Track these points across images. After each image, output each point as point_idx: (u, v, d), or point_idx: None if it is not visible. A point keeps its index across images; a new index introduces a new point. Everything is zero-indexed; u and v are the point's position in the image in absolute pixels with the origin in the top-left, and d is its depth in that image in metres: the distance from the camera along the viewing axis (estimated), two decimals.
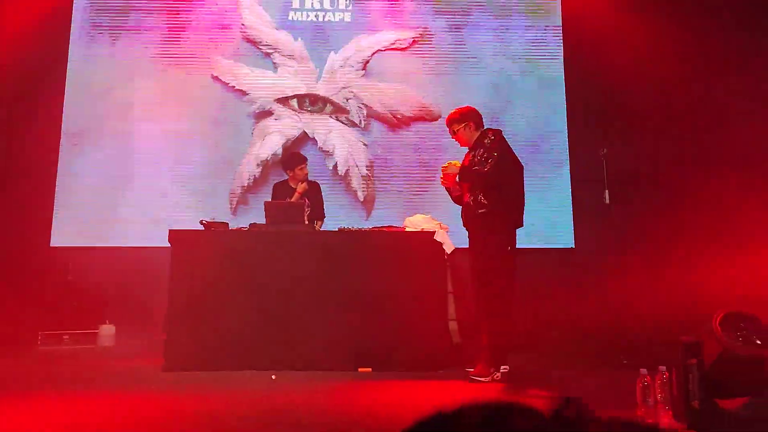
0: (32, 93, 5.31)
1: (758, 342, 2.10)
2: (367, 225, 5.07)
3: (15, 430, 2.29)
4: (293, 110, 5.56)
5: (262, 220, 3.85)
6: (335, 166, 5.49)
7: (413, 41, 5.69)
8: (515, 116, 5.59)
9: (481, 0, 5.79)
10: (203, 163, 5.40)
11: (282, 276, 3.56)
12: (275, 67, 5.61)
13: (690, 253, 4.79)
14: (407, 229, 3.78)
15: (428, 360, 3.41)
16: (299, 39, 5.62)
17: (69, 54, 5.46)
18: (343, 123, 5.57)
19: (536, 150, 5.55)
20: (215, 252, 3.61)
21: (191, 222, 4.11)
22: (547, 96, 5.64)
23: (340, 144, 5.52)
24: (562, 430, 0.54)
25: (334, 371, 3.36)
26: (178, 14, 5.60)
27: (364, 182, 5.49)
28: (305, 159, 4.45)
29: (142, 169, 5.33)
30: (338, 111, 5.58)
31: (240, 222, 4.84)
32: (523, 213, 3.39)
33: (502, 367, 3.16)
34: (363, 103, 5.59)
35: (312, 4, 5.71)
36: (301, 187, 4.25)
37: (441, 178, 3.44)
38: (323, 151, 5.51)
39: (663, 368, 2.30)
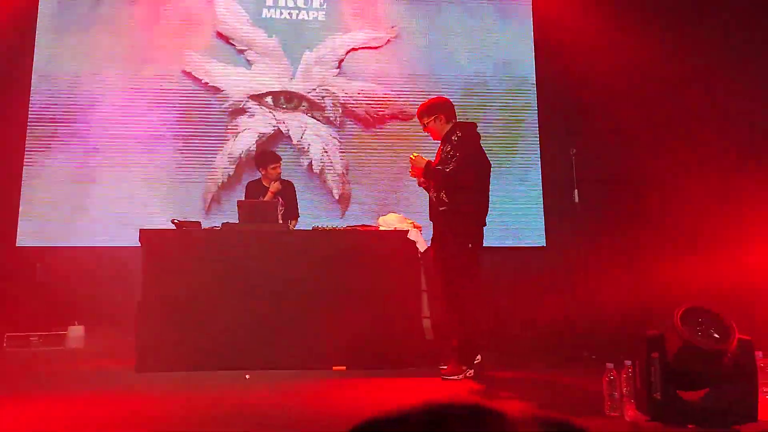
0: None
1: (716, 336, 2.18)
2: (343, 222, 5.08)
3: None
4: (268, 107, 5.52)
5: (236, 219, 3.82)
6: (310, 164, 5.48)
7: (388, 40, 5.71)
8: (487, 116, 5.65)
9: (454, 0, 5.84)
10: (174, 160, 5.32)
11: (255, 275, 3.54)
12: (249, 63, 5.56)
13: (656, 250, 4.94)
14: (381, 228, 3.80)
15: (402, 358, 3.44)
16: (274, 36, 5.59)
17: (35, 48, 5.31)
18: (318, 121, 5.56)
19: (508, 150, 5.64)
20: (187, 252, 3.57)
21: (162, 221, 4.06)
22: (518, 96, 5.74)
23: (315, 142, 5.51)
24: None
25: (308, 370, 3.36)
26: (149, 8, 5.50)
27: (340, 180, 5.49)
28: (279, 158, 4.42)
29: (111, 166, 5.22)
30: (314, 108, 5.56)
31: (214, 220, 4.80)
32: (486, 212, 3.36)
33: (477, 357, 3.16)
34: (338, 102, 5.59)
35: (286, 2, 5.67)
36: (274, 186, 4.22)
37: (410, 169, 3.41)
38: (298, 148, 5.49)
39: (628, 362, 2.38)
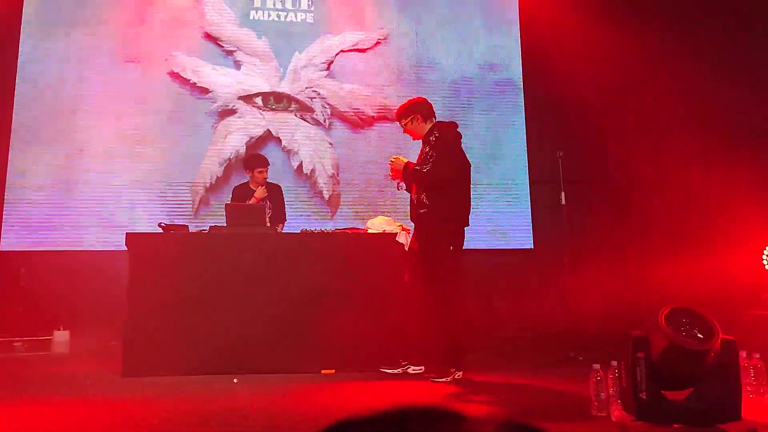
0: None
1: (700, 336, 2.21)
2: (333, 224, 5.08)
3: None
4: (257, 108, 5.50)
5: (224, 222, 3.80)
6: (300, 166, 5.47)
7: (376, 43, 5.73)
8: (475, 118, 5.69)
9: (442, 2, 5.87)
10: (161, 162, 5.27)
11: (244, 279, 3.53)
12: (237, 65, 5.54)
13: (642, 251, 5.00)
14: (369, 231, 3.80)
15: (391, 360, 3.44)
16: (263, 37, 5.57)
17: (20, 48, 5.24)
18: (307, 122, 5.55)
19: (495, 151, 5.68)
20: (174, 256, 3.55)
21: (148, 224, 4.02)
22: (505, 98, 5.78)
23: (304, 143, 5.50)
24: None
25: (297, 373, 3.35)
26: (135, 8, 5.45)
27: (330, 181, 5.49)
28: (266, 163, 4.39)
29: (96, 169, 5.16)
30: (303, 109, 5.56)
31: (202, 223, 4.77)
32: (468, 213, 3.36)
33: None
34: (327, 103, 5.59)
35: (274, 3, 5.66)
36: (259, 191, 4.19)
37: (390, 171, 3.40)
38: (287, 150, 5.48)
39: (615, 363, 2.40)
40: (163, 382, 3.19)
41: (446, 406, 0.58)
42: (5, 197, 5.01)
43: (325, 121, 5.57)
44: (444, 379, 3.15)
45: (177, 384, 3.14)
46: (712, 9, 5.42)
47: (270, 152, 5.20)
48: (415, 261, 3.34)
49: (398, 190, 3.48)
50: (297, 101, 5.55)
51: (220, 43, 5.53)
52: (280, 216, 4.35)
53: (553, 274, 4.96)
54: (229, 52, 5.53)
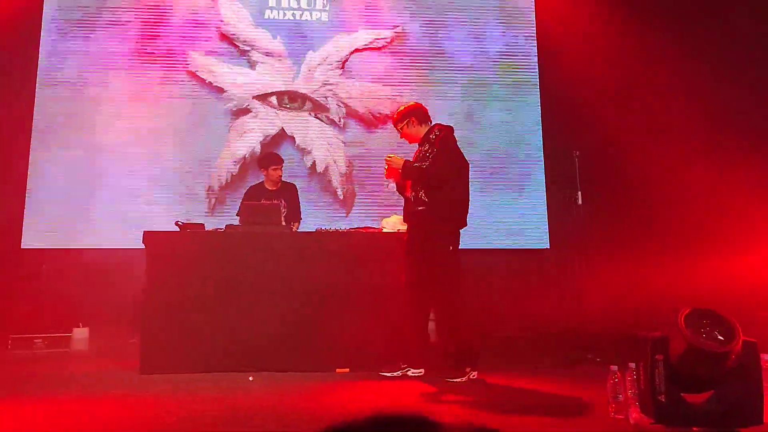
0: (1, 89, 5.17)
1: (721, 338, 2.17)
2: (347, 222, 5.09)
3: None
4: (272, 107, 5.53)
5: (238, 221, 3.83)
6: (314, 164, 5.49)
7: (391, 41, 5.72)
8: (490, 118, 5.66)
9: (457, 2, 5.84)
10: (178, 161, 5.33)
11: (259, 278, 3.55)
12: (252, 65, 5.57)
13: (660, 251, 4.93)
14: (384, 230, 3.80)
15: (406, 360, 3.43)
16: (277, 37, 5.60)
17: (40, 49, 5.33)
18: (321, 121, 5.57)
19: (511, 152, 5.64)
20: (191, 254, 3.58)
21: (166, 222, 4.06)
22: (521, 98, 5.73)
23: (318, 142, 5.52)
24: None
25: (312, 372, 3.36)
26: (153, 10, 5.52)
27: (344, 180, 5.50)
28: (281, 161, 4.43)
29: (114, 168, 5.24)
30: (318, 108, 5.57)
31: (217, 222, 4.81)
32: (466, 212, 3.35)
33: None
34: (341, 102, 5.60)
35: (289, 3, 5.68)
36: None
37: (385, 170, 3.41)
38: (301, 149, 5.50)
39: (633, 365, 2.37)
40: (180, 379, 3.22)
41: (419, 412, 0.60)
42: (27, 196, 5.11)
43: (339, 120, 5.58)
44: (460, 379, 3.14)
45: (193, 381, 3.17)
46: (737, 6, 5.32)
47: (284, 151, 5.23)
48: (413, 261, 3.30)
49: (386, 188, 3.47)
50: (311, 100, 5.57)
51: (236, 42, 5.57)
52: (295, 215, 4.37)
53: (569, 274, 4.92)
54: (244, 52, 5.57)
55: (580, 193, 4.02)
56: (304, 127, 5.54)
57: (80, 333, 4.53)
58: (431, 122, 3.45)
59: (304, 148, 5.50)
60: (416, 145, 3.45)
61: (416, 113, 3.42)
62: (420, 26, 5.77)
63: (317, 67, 5.61)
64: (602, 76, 5.40)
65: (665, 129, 5.39)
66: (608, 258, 4.94)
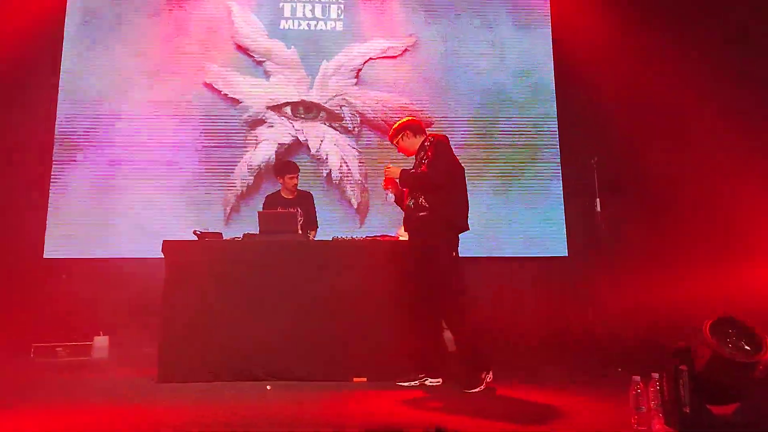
0: (25, 101, 5.30)
1: (747, 348, 2.13)
2: (361, 232, 5.09)
3: None
4: (287, 117, 5.58)
5: (254, 229, 3.85)
6: (329, 174, 5.52)
7: (405, 50, 5.74)
8: (506, 125, 5.64)
9: (472, 8, 5.85)
10: (196, 171, 5.41)
11: (276, 286, 3.56)
12: (267, 75, 5.63)
13: (680, 259, 4.84)
14: (401, 239, 3.79)
15: (423, 369, 3.41)
16: (292, 47, 5.66)
17: (62, 63, 5.45)
18: (336, 130, 5.60)
19: (528, 159, 5.61)
20: (209, 262, 3.60)
21: (184, 232, 4.10)
22: (537, 104, 5.71)
23: (333, 151, 5.55)
24: None
25: (329, 381, 3.36)
26: (171, 23, 5.62)
27: (358, 189, 5.52)
28: (297, 169, 4.46)
29: (134, 179, 5.33)
30: (332, 118, 5.61)
31: (233, 230, 4.85)
32: (467, 216, 3.36)
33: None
34: (356, 111, 5.63)
35: (304, 13, 5.74)
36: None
37: (383, 181, 3.46)
38: (316, 158, 5.54)
39: (656, 375, 2.33)
40: (197, 388, 3.24)
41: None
42: (49, 206, 5.21)
43: (353, 129, 5.61)
44: (478, 389, 3.11)
45: (210, 390, 3.18)
46: (761, 9, 5.25)
47: (299, 160, 5.26)
48: (420, 270, 3.29)
49: (385, 199, 3.49)
50: (326, 109, 5.61)
51: (251, 53, 5.64)
52: (311, 223, 4.40)
53: (587, 282, 4.86)
54: (260, 62, 5.64)
55: (598, 200, 3.97)
56: (319, 136, 5.57)
57: (101, 341, 4.59)
58: (425, 134, 3.50)
59: (319, 158, 5.54)
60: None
61: (410, 126, 3.49)
62: (434, 34, 5.79)
63: (332, 76, 5.65)
64: (620, 82, 5.35)
65: (687, 133, 5.31)
66: (627, 267, 4.87)
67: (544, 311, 4.80)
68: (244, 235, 3.82)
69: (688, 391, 2.14)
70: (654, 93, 5.38)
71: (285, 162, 4.74)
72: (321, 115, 5.61)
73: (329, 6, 5.77)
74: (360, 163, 5.56)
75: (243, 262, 3.61)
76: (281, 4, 5.74)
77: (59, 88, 5.41)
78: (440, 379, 3.31)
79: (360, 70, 5.68)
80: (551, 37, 5.79)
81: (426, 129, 3.57)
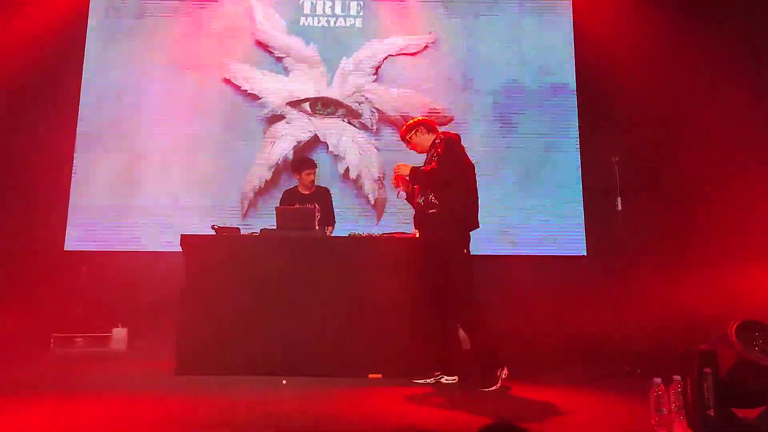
0: (48, 96, 5.40)
1: None
2: (378, 229, 5.08)
3: None
4: (305, 113, 5.59)
5: (272, 224, 3.86)
6: (347, 170, 5.52)
7: (425, 46, 5.72)
8: (526, 122, 5.59)
9: (491, 5, 5.80)
10: (215, 167, 5.44)
11: (293, 282, 3.57)
12: (287, 71, 5.65)
13: (703, 260, 4.75)
14: (417, 236, 3.77)
15: (438, 367, 3.39)
16: (311, 43, 5.67)
17: (84, 60, 5.54)
18: (354, 127, 5.60)
19: (548, 157, 5.55)
20: (227, 257, 3.63)
21: (203, 226, 4.14)
22: (558, 103, 5.64)
23: (351, 148, 5.55)
24: None
25: (344, 377, 3.35)
26: (191, 19, 5.67)
27: (375, 186, 5.51)
28: (314, 165, 4.47)
29: (153, 173, 5.39)
30: (351, 114, 5.61)
31: (250, 225, 4.88)
32: (477, 214, 3.34)
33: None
34: (374, 108, 5.62)
35: (323, 9, 5.75)
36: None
37: (393, 179, 3.46)
38: (334, 154, 5.54)
39: (678, 377, 2.27)
40: (214, 381, 3.26)
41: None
42: (70, 199, 5.29)
43: (372, 126, 5.60)
44: (494, 387, 3.08)
45: (226, 384, 3.20)
46: None
47: (317, 156, 5.29)
48: (433, 269, 3.27)
49: (398, 197, 3.50)
50: (344, 106, 5.61)
51: (271, 49, 5.67)
52: (329, 219, 4.40)
53: (607, 282, 4.78)
54: (279, 59, 5.66)
55: (619, 199, 3.91)
56: (338, 133, 5.57)
57: (119, 333, 4.65)
58: (437, 132, 3.49)
59: (337, 154, 5.54)
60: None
61: (424, 123, 3.51)
62: (454, 31, 5.75)
63: (351, 73, 5.65)
64: (643, 81, 5.26)
65: (709, 132, 5.20)
66: (649, 266, 4.79)
67: (562, 310, 4.74)
68: (262, 230, 3.84)
69: (712, 394, 2.09)
70: (678, 89, 5.28)
71: (302, 158, 4.75)
72: (340, 111, 5.61)
73: (349, 3, 5.76)
74: (378, 160, 5.55)
75: (260, 257, 3.63)
76: (301, 1, 5.76)
77: (82, 82, 5.48)
78: (456, 377, 3.29)
79: (379, 66, 5.67)
80: (573, 34, 5.72)
81: (440, 127, 3.56)
